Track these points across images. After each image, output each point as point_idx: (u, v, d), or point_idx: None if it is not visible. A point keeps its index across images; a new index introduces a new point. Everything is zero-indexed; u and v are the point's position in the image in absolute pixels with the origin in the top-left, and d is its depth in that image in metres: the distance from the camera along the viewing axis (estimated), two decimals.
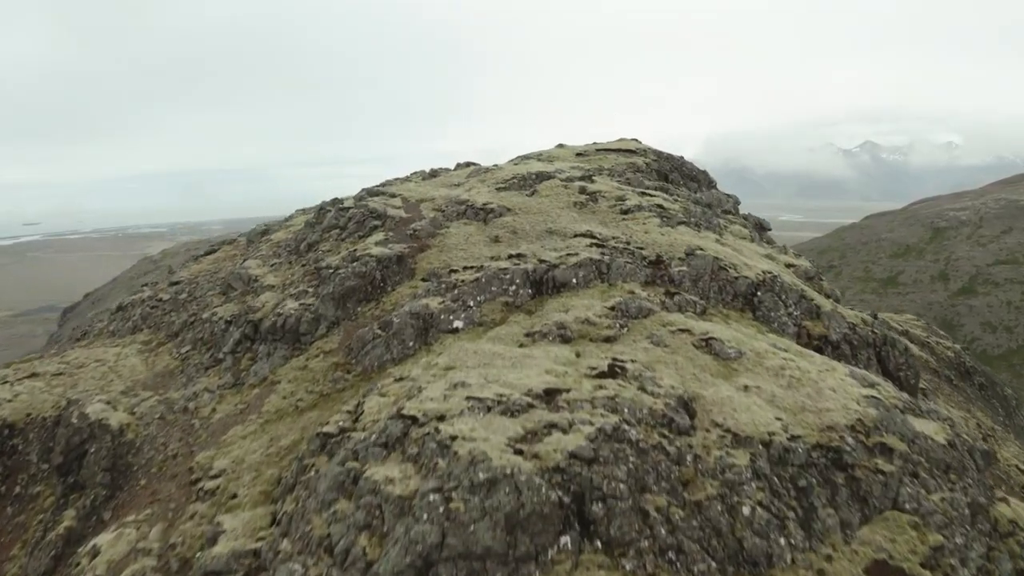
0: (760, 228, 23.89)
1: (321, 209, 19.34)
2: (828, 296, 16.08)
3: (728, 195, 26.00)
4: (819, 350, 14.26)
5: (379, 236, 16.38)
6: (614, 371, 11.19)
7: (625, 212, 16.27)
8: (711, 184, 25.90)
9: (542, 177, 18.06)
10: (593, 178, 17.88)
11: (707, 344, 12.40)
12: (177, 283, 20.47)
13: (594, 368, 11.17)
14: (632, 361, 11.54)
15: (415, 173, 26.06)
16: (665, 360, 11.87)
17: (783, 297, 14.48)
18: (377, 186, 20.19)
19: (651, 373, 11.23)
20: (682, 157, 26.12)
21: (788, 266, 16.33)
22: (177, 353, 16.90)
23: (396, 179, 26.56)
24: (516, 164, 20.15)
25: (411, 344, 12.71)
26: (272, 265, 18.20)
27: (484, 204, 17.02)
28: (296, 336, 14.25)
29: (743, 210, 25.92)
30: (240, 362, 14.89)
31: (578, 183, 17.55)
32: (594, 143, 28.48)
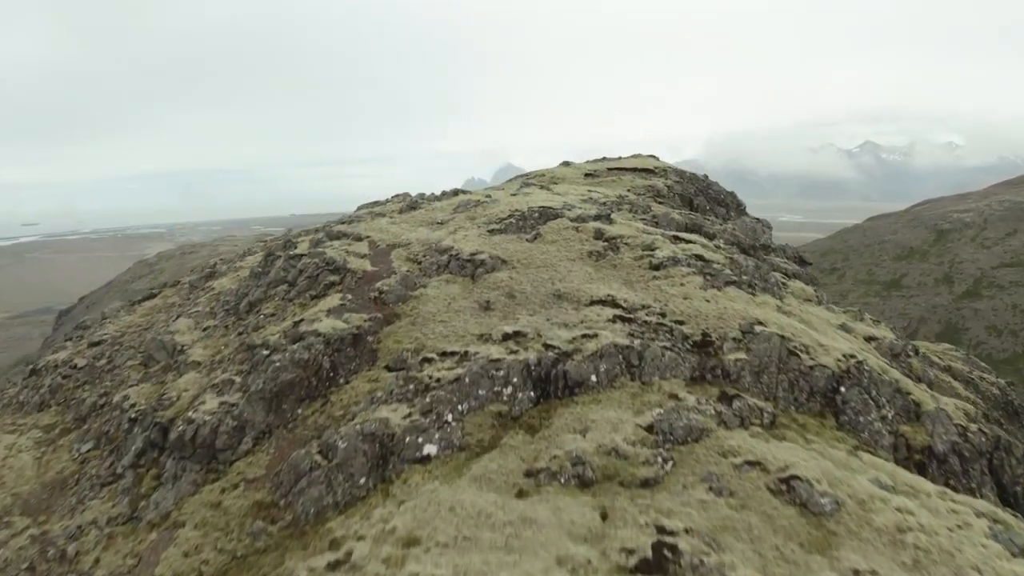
0: (801, 262, 19.80)
1: (269, 255, 15.13)
2: (920, 379, 12.04)
3: (758, 219, 21.89)
4: (922, 468, 10.30)
5: (334, 299, 12.24)
6: (662, 559, 7.16)
7: (656, 267, 12.17)
8: (740, 208, 21.80)
9: (547, 215, 13.93)
10: (611, 216, 13.73)
11: (789, 488, 8.35)
12: (98, 343, 16.32)
13: (630, 551, 7.14)
14: (687, 531, 7.50)
15: (395, 196, 21.90)
16: (734, 525, 7.79)
17: (873, 393, 10.43)
18: (341, 223, 15.98)
19: (717, 557, 7.12)
20: (706, 176, 22.01)
21: (868, 339, 12.23)
22: (77, 452, 12.82)
23: (375, 203, 22.40)
24: (514, 194, 15.95)
25: (362, 482, 8.64)
26: (205, 330, 14.07)
27: (473, 254, 12.89)
28: (212, 452, 10.12)
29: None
30: (142, 481, 10.81)
31: (593, 224, 13.42)
32: (603, 157, 24.40)
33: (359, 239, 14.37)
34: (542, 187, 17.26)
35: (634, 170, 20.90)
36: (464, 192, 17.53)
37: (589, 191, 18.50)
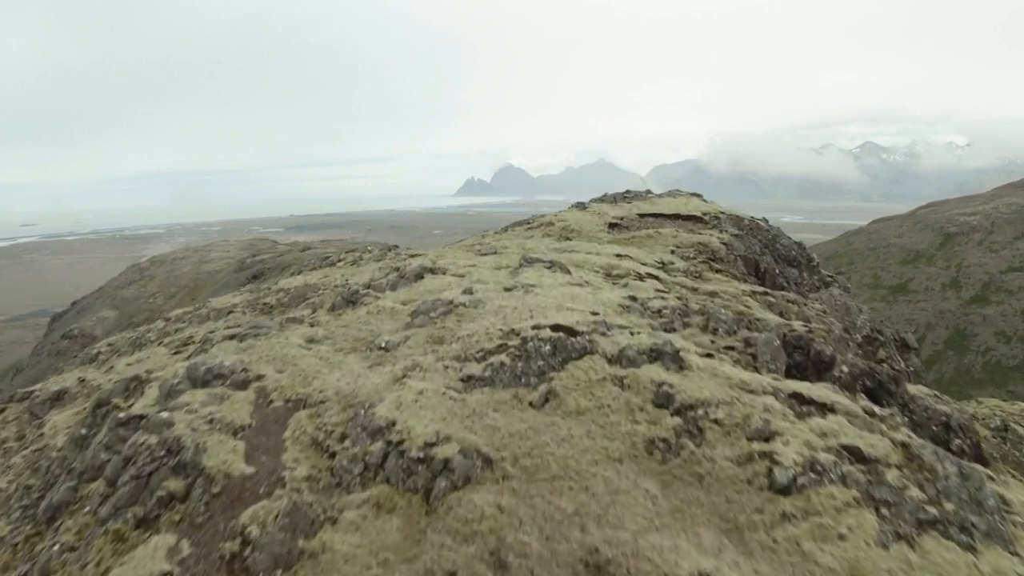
0: (904, 347, 13.68)
1: (99, 407, 8.70)
2: None
3: (834, 277, 15.65)
4: None
5: (160, 548, 5.98)
6: None
7: (783, 490, 5.90)
8: (811, 264, 15.54)
9: (565, 348, 7.59)
10: (679, 350, 7.44)
11: None
12: None
13: None
14: None
15: (348, 253, 15.49)
16: None
17: None
18: (232, 336, 9.39)
19: None
20: (766, 220, 15.67)
21: None
22: None
23: (324, 258, 16.02)
24: (510, 288, 9.33)
25: None
26: None
27: (430, 444, 6.64)
28: None
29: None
30: None
31: (648, 370, 7.16)
32: (626, 191, 18.13)
33: (244, 383, 8.06)
34: (551, 265, 10.74)
35: (675, 218, 14.62)
36: (432, 272, 10.91)
37: (619, 257, 12.27)
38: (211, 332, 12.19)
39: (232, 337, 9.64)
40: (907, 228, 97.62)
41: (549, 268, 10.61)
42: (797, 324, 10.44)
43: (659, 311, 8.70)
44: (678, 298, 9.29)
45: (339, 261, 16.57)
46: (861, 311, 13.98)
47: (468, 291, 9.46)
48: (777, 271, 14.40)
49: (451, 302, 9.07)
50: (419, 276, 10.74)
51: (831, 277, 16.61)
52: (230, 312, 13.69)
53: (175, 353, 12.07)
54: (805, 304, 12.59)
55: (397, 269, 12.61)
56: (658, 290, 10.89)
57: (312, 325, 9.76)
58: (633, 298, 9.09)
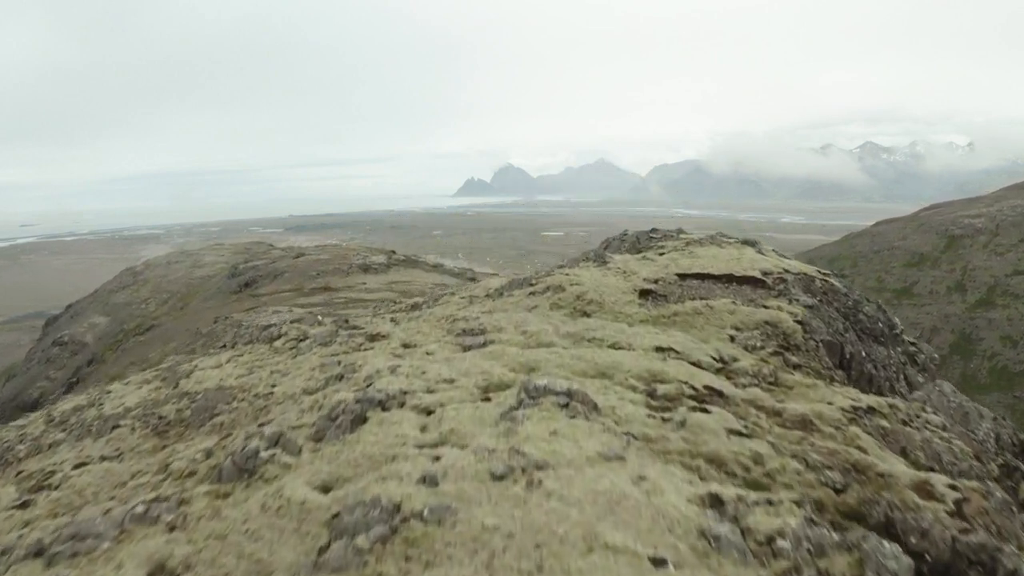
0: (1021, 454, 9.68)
1: None
2: None
3: (918, 347, 11.61)
4: None
5: None
6: None
7: None
8: (894, 332, 11.39)
9: None
10: None
11: None
12: None
13: None
14: None
15: (292, 324, 10.91)
16: None
17: None
18: (30, 556, 5.30)
19: None
20: (841, 275, 11.47)
21: None
22: None
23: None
24: (500, 474, 5.29)
25: None
26: None
27: None
28: None
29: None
30: None
31: None
32: (652, 232, 13.56)
33: None
34: (568, 400, 6.67)
35: (726, 281, 10.36)
36: (384, 408, 6.41)
37: (661, 353, 8.09)
38: (64, 470, 8.01)
39: (40, 553, 5.47)
40: (911, 230, 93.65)
41: (565, 407, 6.42)
42: (942, 485, 6.35)
43: (770, 541, 4.55)
44: (795, 502, 5.13)
45: (280, 336, 12.29)
46: (982, 416, 9.91)
47: (430, 478, 5.24)
48: (863, 353, 10.29)
49: (398, 509, 4.83)
50: (360, 419, 6.52)
51: (914, 346, 12.49)
52: (115, 427, 9.54)
53: (20, 506, 7.94)
54: (919, 417, 8.43)
55: (340, 378, 8.44)
56: (733, 432, 6.63)
57: (172, 528, 5.58)
58: (719, 501, 4.93)
